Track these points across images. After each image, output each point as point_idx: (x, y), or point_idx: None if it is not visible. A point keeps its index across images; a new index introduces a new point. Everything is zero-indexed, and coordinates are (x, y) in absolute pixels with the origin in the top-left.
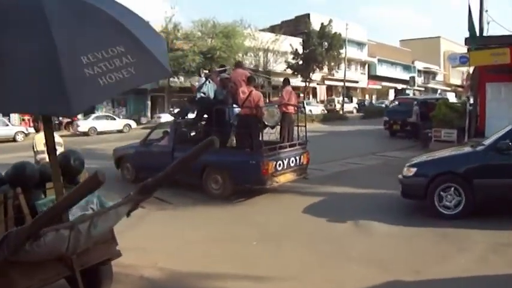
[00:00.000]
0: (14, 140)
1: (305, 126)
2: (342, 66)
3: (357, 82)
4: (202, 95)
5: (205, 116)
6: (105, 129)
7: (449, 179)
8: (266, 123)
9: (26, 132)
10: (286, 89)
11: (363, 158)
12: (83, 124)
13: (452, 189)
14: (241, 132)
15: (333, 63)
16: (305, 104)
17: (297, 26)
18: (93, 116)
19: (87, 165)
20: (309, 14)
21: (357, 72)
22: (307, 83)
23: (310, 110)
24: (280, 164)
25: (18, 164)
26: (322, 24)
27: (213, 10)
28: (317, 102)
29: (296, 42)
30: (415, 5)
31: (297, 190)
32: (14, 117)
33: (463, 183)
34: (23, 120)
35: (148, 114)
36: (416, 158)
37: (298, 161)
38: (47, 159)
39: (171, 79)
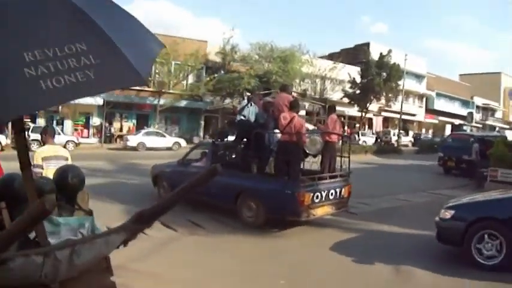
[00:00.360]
0: (64, 148)
1: (349, 157)
2: (399, 98)
3: (413, 115)
4: (242, 117)
5: (245, 139)
6: (154, 145)
7: (490, 225)
8: (307, 151)
9: (76, 141)
10: (331, 116)
11: (413, 194)
12: (132, 139)
13: (492, 236)
14: (279, 159)
15: (390, 95)
16: (360, 134)
17: (356, 54)
18: (143, 131)
19: (127, 179)
20: (368, 43)
21: (414, 105)
22: (363, 113)
23: (365, 141)
24: (318, 196)
25: (6, 176)
26: (381, 53)
27: (272, 33)
28: (372, 133)
29: (354, 71)
30: (480, 40)
31: (337, 224)
32: (67, 126)
33: (505, 231)
34: (76, 130)
35: (201, 134)
36: (457, 199)
37: (338, 193)
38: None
39: (226, 100)
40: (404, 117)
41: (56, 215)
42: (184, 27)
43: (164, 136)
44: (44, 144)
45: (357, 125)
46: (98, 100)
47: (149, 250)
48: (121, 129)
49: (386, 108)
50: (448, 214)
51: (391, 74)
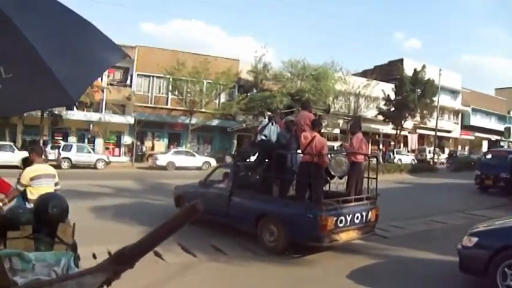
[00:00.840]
0: (94, 167)
1: (376, 178)
2: (434, 114)
3: (449, 132)
4: (263, 137)
5: (266, 160)
6: (184, 164)
7: None
8: (332, 172)
9: (107, 160)
10: (357, 135)
11: (450, 216)
12: (162, 158)
13: None
14: (301, 181)
15: (425, 111)
16: (395, 152)
17: (390, 71)
18: (173, 150)
19: (152, 199)
20: (402, 59)
21: (449, 121)
22: (398, 131)
23: (400, 160)
24: (342, 220)
25: None
26: (415, 69)
27: (305, 51)
28: (408, 151)
29: (388, 88)
30: None
31: (365, 250)
32: (98, 145)
33: None
34: (107, 148)
35: (234, 153)
36: (481, 225)
37: (364, 217)
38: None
39: (259, 119)
40: (439, 134)
41: (32, 249)
42: (217, 46)
43: (194, 155)
44: (32, 164)
45: (392, 143)
46: (129, 119)
47: (166, 277)
48: (152, 148)
49: (421, 125)
50: (471, 241)
51: (426, 90)
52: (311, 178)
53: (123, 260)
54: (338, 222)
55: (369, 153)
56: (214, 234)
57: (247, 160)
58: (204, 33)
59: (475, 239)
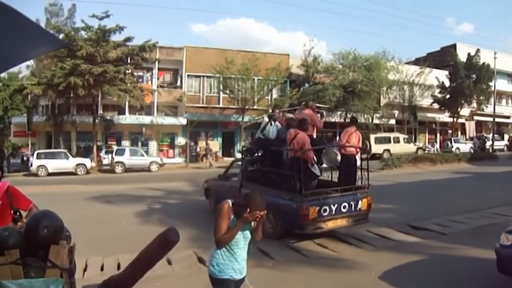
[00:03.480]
0: (148, 170)
1: (367, 169)
2: (492, 100)
3: (508, 117)
4: (261, 136)
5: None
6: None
7: None
8: (325, 164)
9: (160, 162)
10: (346, 129)
11: None
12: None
13: None
14: (287, 174)
15: (482, 97)
16: (452, 141)
17: (443, 57)
18: None
19: (201, 201)
20: (455, 45)
21: (508, 107)
22: (455, 119)
23: (458, 148)
24: (326, 209)
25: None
26: (469, 54)
27: (355, 42)
28: (465, 139)
29: (442, 75)
30: None
31: (422, 250)
32: (152, 147)
33: None
34: (161, 150)
35: None
36: None
37: (353, 206)
38: None
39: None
40: (498, 120)
41: (20, 276)
42: (268, 43)
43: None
44: None
45: (449, 132)
46: (182, 120)
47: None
48: (207, 149)
49: (478, 112)
50: (508, 239)
51: (481, 75)
52: (294, 171)
53: None
54: (322, 211)
55: (360, 146)
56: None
57: (255, 155)
58: (254, 31)
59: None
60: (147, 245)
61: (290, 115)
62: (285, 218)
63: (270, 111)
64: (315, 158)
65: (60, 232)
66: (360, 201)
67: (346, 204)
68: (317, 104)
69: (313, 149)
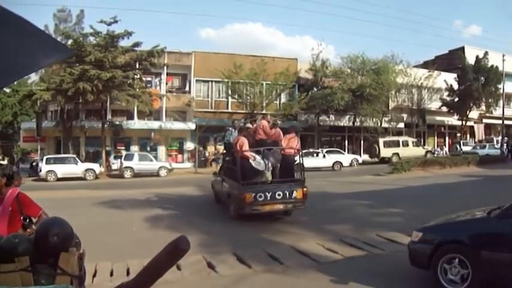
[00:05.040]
0: (157, 175)
1: (302, 165)
2: (501, 102)
3: None
4: (226, 141)
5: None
6: None
7: (455, 249)
8: (270, 162)
9: (169, 167)
10: (287, 135)
11: None
12: None
13: (458, 260)
14: (235, 169)
15: (490, 100)
16: (461, 144)
17: (451, 60)
18: None
19: (209, 206)
20: (463, 47)
21: None
22: (463, 122)
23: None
24: (261, 196)
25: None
26: (477, 57)
27: (363, 46)
28: (474, 142)
29: (451, 78)
30: None
31: None
32: (161, 152)
33: (469, 254)
34: (170, 155)
35: None
36: (433, 221)
37: (288, 194)
38: None
39: (321, 118)
40: (507, 122)
41: (30, 283)
42: (276, 47)
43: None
44: None
45: (458, 135)
46: (190, 125)
47: None
48: (215, 153)
49: (487, 115)
50: (417, 236)
51: (490, 78)
52: (237, 167)
53: None
54: (257, 197)
55: (298, 149)
56: (271, 240)
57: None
58: (262, 35)
59: (420, 234)
60: (158, 253)
61: (239, 123)
62: (234, 202)
63: (231, 122)
64: (256, 156)
65: (70, 239)
66: (294, 191)
67: (280, 193)
68: (271, 117)
69: (251, 150)
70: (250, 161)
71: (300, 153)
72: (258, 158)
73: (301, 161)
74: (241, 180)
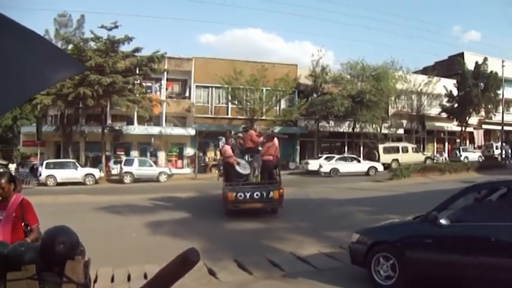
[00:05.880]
0: (157, 180)
1: (279, 171)
2: (500, 108)
3: None
4: (219, 148)
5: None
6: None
7: (384, 249)
8: (254, 166)
9: (169, 173)
10: (266, 144)
11: None
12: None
13: (387, 259)
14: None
15: (490, 106)
16: (461, 150)
17: (450, 66)
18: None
19: (208, 212)
20: (462, 53)
21: None
22: (463, 128)
23: (466, 157)
24: (241, 195)
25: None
26: (476, 63)
27: (363, 52)
28: (474, 148)
29: (450, 84)
30: None
31: None
32: (161, 157)
33: (396, 253)
34: (170, 161)
35: (297, 159)
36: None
37: (265, 195)
38: None
39: (320, 124)
40: (506, 128)
41: None
42: (275, 53)
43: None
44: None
45: (458, 141)
46: (190, 131)
47: None
48: (215, 159)
49: (487, 121)
50: (355, 238)
51: (489, 84)
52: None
53: None
54: (238, 196)
55: (276, 155)
56: (271, 247)
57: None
58: (262, 41)
59: (357, 236)
60: (166, 264)
61: (240, 134)
62: (223, 200)
63: (225, 132)
64: (239, 161)
65: (76, 247)
66: (271, 192)
67: (258, 193)
68: (258, 126)
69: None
70: (235, 165)
71: (278, 159)
72: (243, 163)
73: (279, 166)
74: (225, 182)
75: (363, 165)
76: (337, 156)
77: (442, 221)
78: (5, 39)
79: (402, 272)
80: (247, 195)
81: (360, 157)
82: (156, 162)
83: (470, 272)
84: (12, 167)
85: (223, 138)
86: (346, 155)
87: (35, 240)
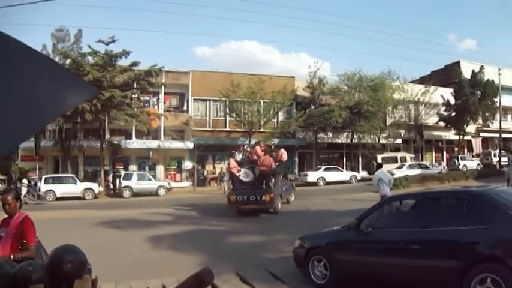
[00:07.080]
0: (156, 194)
1: (274, 177)
2: (497, 116)
3: None
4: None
5: None
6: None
7: (318, 252)
8: (255, 173)
9: (168, 186)
10: (263, 157)
11: None
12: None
13: (321, 262)
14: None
15: (487, 113)
16: (459, 158)
17: (447, 75)
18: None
19: (210, 225)
20: (459, 62)
21: None
22: (461, 136)
23: (465, 166)
24: (240, 198)
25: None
26: (473, 71)
27: (360, 63)
28: (472, 156)
29: (447, 93)
30: None
31: None
32: (159, 171)
33: (327, 256)
34: (168, 175)
35: (296, 171)
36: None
37: (259, 197)
38: None
39: (319, 135)
40: (504, 135)
41: None
42: (272, 64)
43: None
44: None
45: (456, 149)
46: (189, 144)
47: None
48: (214, 172)
49: (484, 128)
50: (297, 243)
51: (486, 92)
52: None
53: None
54: (238, 198)
55: (270, 166)
56: (273, 259)
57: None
58: (258, 52)
59: (299, 242)
60: (181, 283)
61: (248, 148)
62: (228, 202)
63: (230, 153)
64: (242, 170)
65: (84, 266)
66: (263, 195)
67: (253, 196)
68: (263, 143)
69: (236, 168)
70: (238, 174)
71: (274, 169)
72: (245, 171)
73: (277, 175)
74: (230, 188)
75: (347, 174)
76: (323, 167)
77: (362, 228)
78: (19, 65)
79: (333, 272)
80: (245, 198)
81: (358, 168)
82: (155, 176)
83: (385, 270)
84: (24, 182)
85: (236, 152)
86: (335, 166)
87: (25, 257)
